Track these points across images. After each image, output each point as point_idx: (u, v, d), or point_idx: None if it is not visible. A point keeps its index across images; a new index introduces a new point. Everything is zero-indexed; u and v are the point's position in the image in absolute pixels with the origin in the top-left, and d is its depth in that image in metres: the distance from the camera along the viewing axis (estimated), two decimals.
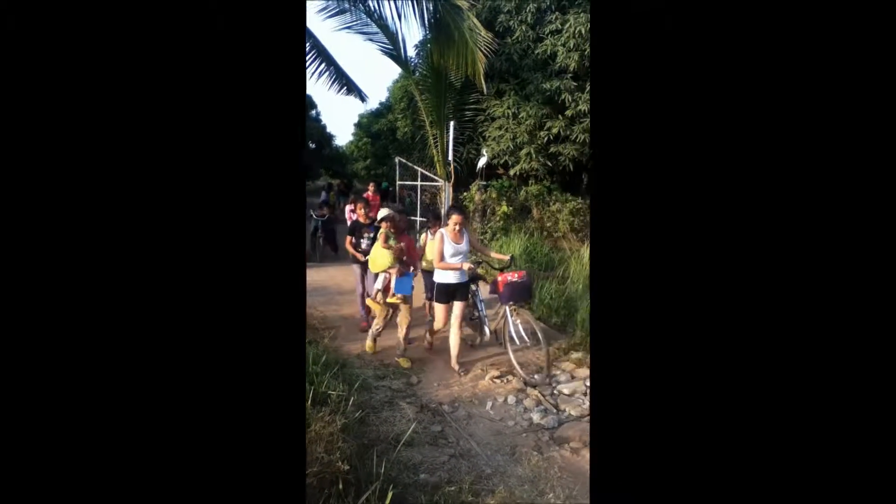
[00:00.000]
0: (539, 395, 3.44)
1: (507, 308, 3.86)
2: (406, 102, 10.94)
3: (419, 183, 9.32)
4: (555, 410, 3.24)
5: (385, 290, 3.93)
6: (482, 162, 8.28)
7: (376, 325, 4.09)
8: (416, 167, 9.33)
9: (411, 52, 10.11)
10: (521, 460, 2.58)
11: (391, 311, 4.02)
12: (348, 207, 6.90)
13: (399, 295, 3.89)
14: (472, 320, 4.40)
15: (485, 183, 8.78)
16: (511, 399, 3.37)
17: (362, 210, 4.64)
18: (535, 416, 3.13)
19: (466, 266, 3.65)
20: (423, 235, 4.74)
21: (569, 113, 8.00)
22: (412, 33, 14.20)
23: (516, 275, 3.84)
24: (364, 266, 4.50)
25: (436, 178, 8.95)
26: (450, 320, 3.78)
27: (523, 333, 3.75)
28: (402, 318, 3.95)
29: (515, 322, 3.80)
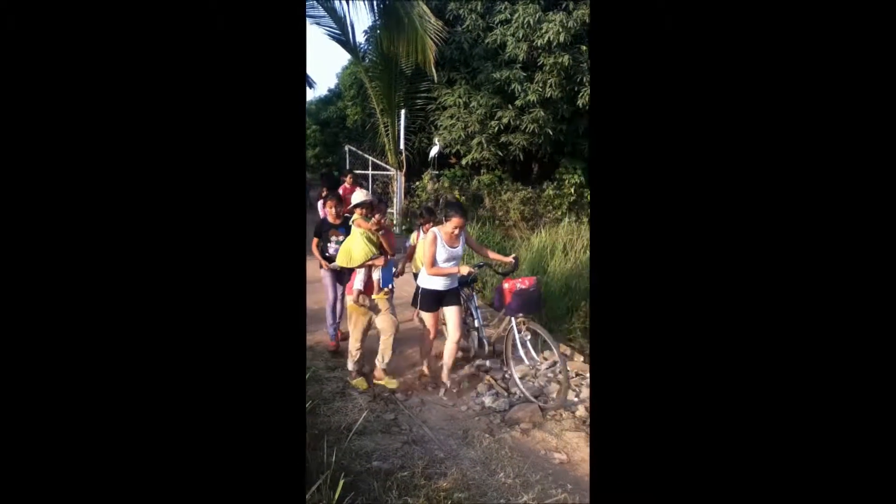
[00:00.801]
0: (491, 379, 3.52)
1: (514, 321, 3.20)
2: (356, 90, 10.72)
3: (370, 172, 9.19)
4: (506, 394, 3.32)
5: (367, 288, 3.12)
6: (434, 151, 8.27)
7: (354, 342, 3.21)
8: (367, 156, 9.19)
9: (360, 38, 9.90)
10: (472, 443, 2.63)
11: (372, 316, 3.19)
12: (319, 203, 6.30)
13: (386, 289, 3.16)
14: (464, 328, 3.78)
15: (437, 172, 8.78)
16: (464, 385, 3.42)
17: (332, 209, 3.70)
18: (487, 400, 3.20)
19: (465, 270, 3.08)
20: (415, 234, 4.06)
21: (518, 103, 8.11)
22: (361, 18, 13.90)
23: (526, 281, 3.19)
24: (336, 275, 3.67)
25: (388, 166, 8.86)
26: (447, 329, 3.22)
27: (532, 351, 3.20)
28: (385, 323, 3.13)
29: (524, 338, 3.17)
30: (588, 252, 6.10)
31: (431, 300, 3.23)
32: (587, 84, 8.00)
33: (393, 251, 3.34)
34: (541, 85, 7.98)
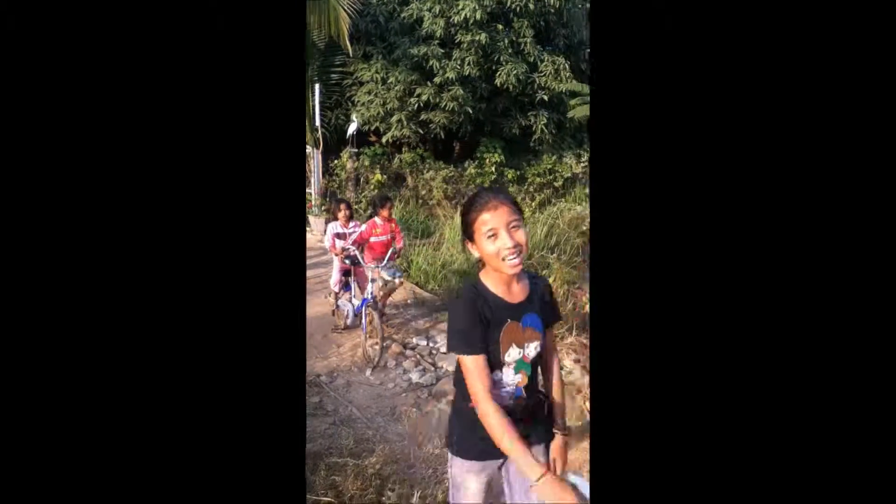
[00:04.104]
0: (418, 355, 3.54)
1: None
2: None
3: None
4: (433, 368, 3.37)
5: None
6: (352, 128, 8.01)
7: None
8: None
9: None
10: (400, 419, 2.65)
11: None
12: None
13: None
14: None
15: (356, 150, 8.54)
16: (391, 363, 3.41)
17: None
18: (415, 376, 3.22)
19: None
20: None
21: (437, 80, 8.06)
22: None
23: None
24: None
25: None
26: None
27: None
28: None
29: None
30: None
31: None
32: (504, 63, 8.12)
33: None
34: (459, 62, 7.98)
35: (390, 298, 4.12)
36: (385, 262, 3.55)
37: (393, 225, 3.77)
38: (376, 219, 3.64)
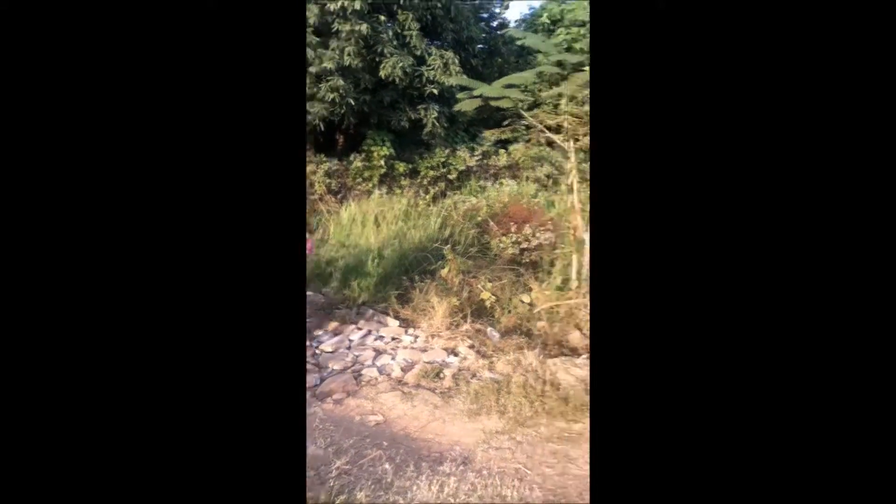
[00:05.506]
0: None
1: None
2: None
3: None
4: (317, 369, 3.15)
5: None
6: None
7: None
8: None
9: None
10: None
11: None
12: None
13: None
14: None
15: None
16: None
17: None
18: None
19: None
20: None
21: (314, 70, 7.68)
22: None
23: None
24: None
25: None
26: None
27: None
28: None
29: None
30: (400, 222, 6.22)
31: None
32: (388, 55, 8.00)
33: None
34: (338, 52, 7.68)
35: None
36: None
37: None
38: None
